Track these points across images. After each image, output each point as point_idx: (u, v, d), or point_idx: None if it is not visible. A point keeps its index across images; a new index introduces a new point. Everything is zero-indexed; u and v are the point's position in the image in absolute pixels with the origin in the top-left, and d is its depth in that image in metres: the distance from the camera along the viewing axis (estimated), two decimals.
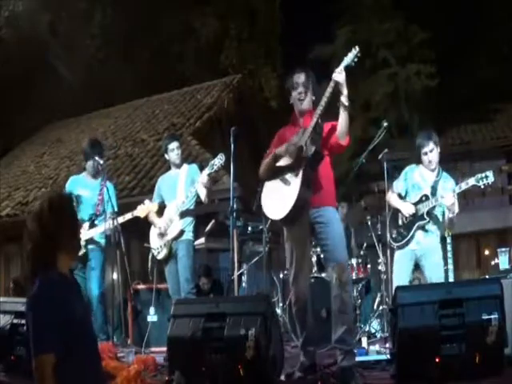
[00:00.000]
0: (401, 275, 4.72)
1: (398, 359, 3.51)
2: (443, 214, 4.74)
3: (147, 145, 11.10)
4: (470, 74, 16.58)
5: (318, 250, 5.71)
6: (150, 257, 5.51)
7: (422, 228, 4.75)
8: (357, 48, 3.75)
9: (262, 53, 19.67)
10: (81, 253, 5.23)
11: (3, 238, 10.30)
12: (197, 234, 5.68)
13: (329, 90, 3.74)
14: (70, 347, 2.38)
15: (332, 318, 3.82)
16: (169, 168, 5.74)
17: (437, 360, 3.30)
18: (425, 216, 4.71)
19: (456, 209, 4.63)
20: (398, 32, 16.87)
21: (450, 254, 5.07)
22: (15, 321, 4.38)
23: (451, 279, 5.07)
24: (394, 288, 4.06)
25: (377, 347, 4.79)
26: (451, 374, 3.29)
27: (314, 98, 3.98)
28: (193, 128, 10.88)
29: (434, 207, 4.70)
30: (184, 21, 18.54)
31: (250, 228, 6.57)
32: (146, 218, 5.46)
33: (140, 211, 5.36)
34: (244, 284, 6.61)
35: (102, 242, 5.50)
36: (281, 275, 6.27)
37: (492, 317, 3.27)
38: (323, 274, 5.44)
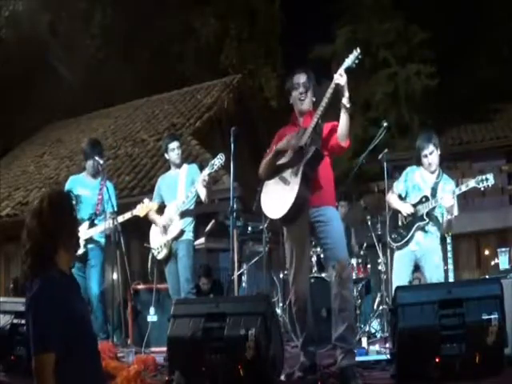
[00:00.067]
0: (400, 276, 4.72)
1: (398, 359, 3.51)
2: (443, 216, 4.74)
3: (147, 145, 11.10)
4: (470, 73, 16.59)
5: (318, 249, 5.71)
6: (150, 257, 5.51)
7: (422, 229, 4.75)
8: (358, 50, 3.73)
9: (262, 53, 19.68)
10: (80, 252, 5.24)
11: (3, 238, 10.30)
12: (197, 233, 5.67)
13: (329, 91, 3.73)
14: (70, 346, 2.38)
15: (332, 316, 3.82)
16: (169, 168, 5.74)
17: (437, 360, 3.30)
18: (424, 217, 4.71)
19: (455, 211, 4.65)
20: (398, 32, 16.89)
21: (450, 254, 5.07)
22: (15, 321, 4.39)
23: (451, 279, 5.07)
24: (393, 288, 4.06)
25: (377, 347, 4.79)
26: (451, 374, 3.29)
27: (314, 99, 3.98)
28: (193, 128, 10.87)
29: (433, 208, 4.71)
30: (184, 21, 18.54)
31: (249, 228, 6.57)
32: (146, 217, 5.45)
33: (139, 210, 5.36)
34: (244, 284, 6.61)
35: (102, 241, 5.50)
36: (281, 275, 6.27)
37: (492, 317, 3.27)
38: (323, 274, 5.44)
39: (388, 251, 5.70)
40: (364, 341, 4.89)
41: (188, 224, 5.35)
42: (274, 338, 3.59)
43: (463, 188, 4.61)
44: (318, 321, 4.60)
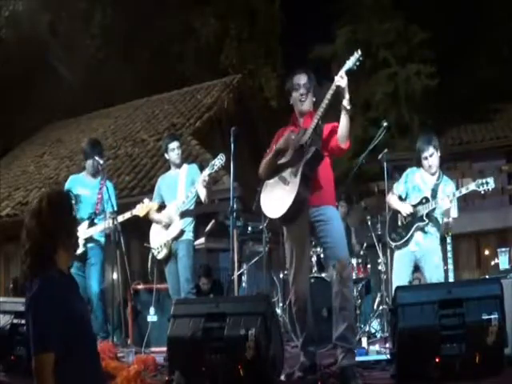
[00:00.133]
0: (400, 276, 4.72)
1: (398, 359, 3.51)
2: (443, 217, 4.75)
3: (147, 145, 11.10)
4: (470, 74, 16.59)
5: (318, 249, 5.71)
6: (150, 257, 5.51)
7: (422, 230, 4.76)
8: (359, 52, 3.72)
9: (262, 53, 19.68)
10: (80, 251, 5.24)
11: (3, 238, 10.31)
12: (197, 233, 5.67)
13: (330, 92, 3.73)
14: (70, 346, 2.38)
15: (333, 315, 3.82)
16: (169, 168, 5.74)
17: (437, 360, 3.30)
18: (424, 218, 4.72)
19: (453, 213, 4.67)
20: (398, 32, 16.88)
21: (450, 254, 5.06)
22: (15, 321, 4.39)
23: (451, 279, 5.07)
24: (393, 288, 4.06)
25: (377, 347, 4.79)
26: (451, 374, 3.29)
27: (314, 99, 3.98)
28: (193, 128, 10.87)
29: (433, 209, 4.72)
30: (184, 21, 18.55)
31: (249, 228, 6.57)
32: (146, 217, 5.45)
33: (139, 210, 5.36)
34: (244, 284, 6.60)
35: (102, 240, 5.50)
36: (281, 275, 6.27)
37: (492, 317, 3.27)
38: (323, 274, 5.44)
39: (388, 251, 5.71)
40: (364, 341, 4.89)
41: (188, 224, 5.35)
42: (274, 337, 3.59)
43: (463, 190, 4.62)
44: (318, 320, 4.60)
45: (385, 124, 5.50)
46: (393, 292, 3.90)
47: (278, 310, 5.98)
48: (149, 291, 5.71)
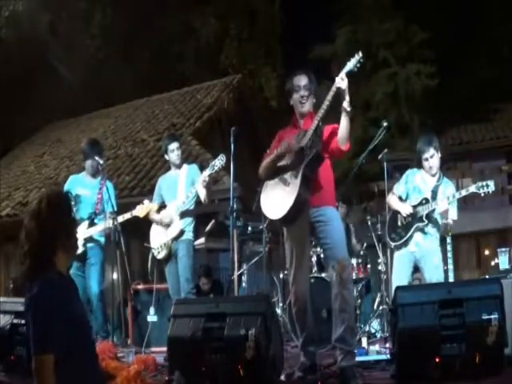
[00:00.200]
0: (400, 277, 4.72)
1: (398, 359, 3.51)
2: (442, 218, 4.75)
3: (147, 145, 11.10)
4: (470, 74, 16.60)
5: (318, 249, 5.71)
6: (150, 257, 5.51)
7: (422, 230, 4.76)
8: (360, 53, 3.71)
9: (262, 53, 19.68)
10: (80, 251, 5.24)
11: (3, 238, 10.30)
12: (197, 234, 5.67)
13: (331, 93, 3.72)
14: (70, 348, 2.37)
15: (332, 316, 3.82)
16: (169, 168, 5.74)
17: (437, 360, 3.30)
18: (424, 218, 4.72)
19: (453, 215, 4.68)
20: (398, 32, 16.88)
21: (450, 254, 5.06)
22: (15, 321, 4.39)
23: (451, 279, 5.07)
24: (393, 289, 4.06)
25: (377, 347, 4.79)
26: (451, 374, 3.29)
27: (314, 100, 3.98)
28: (193, 128, 10.88)
29: (433, 210, 4.72)
30: (184, 21, 18.55)
31: (250, 228, 6.57)
32: (146, 217, 5.45)
33: (139, 211, 5.36)
34: (244, 284, 6.60)
35: (102, 240, 5.49)
36: (281, 275, 6.27)
37: (492, 317, 3.27)
38: (323, 274, 5.44)
39: (388, 251, 5.71)
40: (364, 341, 4.89)
41: (188, 224, 5.35)
42: (274, 337, 3.59)
43: (463, 192, 4.63)
44: (318, 321, 4.60)
45: (385, 124, 5.50)
46: (393, 292, 3.90)
47: (278, 310, 5.99)
48: (149, 291, 5.71)
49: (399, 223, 4.91)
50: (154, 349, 5.24)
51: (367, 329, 5.77)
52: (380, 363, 4.14)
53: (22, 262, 2.47)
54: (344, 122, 3.73)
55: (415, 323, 3.39)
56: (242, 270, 6.52)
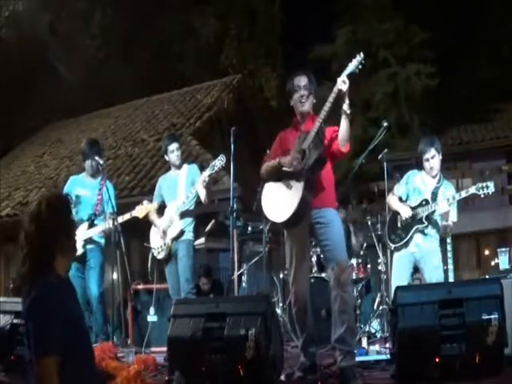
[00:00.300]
0: (400, 278, 4.73)
1: (398, 359, 3.51)
2: (442, 220, 4.76)
3: (147, 145, 11.10)
4: (470, 73, 16.60)
5: (318, 250, 5.70)
6: (150, 257, 5.51)
7: (421, 232, 4.77)
8: (361, 54, 3.70)
9: (262, 53, 19.68)
10: (80, 252, 5.24)
11: (3, 238, 10.30)
12: (197, 233, 5.67)
13: (332, 95, 3.71)
14: (68, 350, 2.36)
15: (332, 317, 3.82)
16: (169, 168, 5.74)
17: (437, 360, 3.30)
18: (423, 220, 4.72)
19: (453, 217, 4.69)
20: (398, 32, 16.90)
21: (450, 254, 5.07)
22: (15, 321, 4.39)
23: (451, 279, 5.07)
24: (393, 289, 4.06)
25: (377, 347, 4.79)
26: (451, 374, 3.29)
27: (314, 101, 3.98)
28: (193, 128, 10.88)
29: (433, 212, 4.72)
30: (184, 21, 18.55)
31: (250, 228, 6.56)
32: (146, 217, 5.45)
33: (138, 211, 5.35)
34: (244, 284, 6.60)
35: (102, 242, 5.49)
36: (281, 275, 6.26)
37: (492, 317, 3.27)
38: (323, 274, 5.43)
39: (388, 251, 5.71)
40: (364, 341, 4.89)
41: (188, 224, 5.35)
42: (274, 337, 3.59)
43: (463, 194, 4.63)
44: (318, 320, 4.60)
45: (385, 124, 5.50)
46: (393, 292, 3.90)
47: (278, 310, 5.98)
48: (149, 291, 5.71)
49: (399, 224, 4.91)
50: (154, 349, 5.24)
51: (367, 329, 5.77)
52: (380, 363, 4.14)
53: (21, 264, 2.45)
54: (344, 124, 3.73)
55: (415, 323, 3.39)
56: (242, 270, 6.51)
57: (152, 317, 5.43)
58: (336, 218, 3.92)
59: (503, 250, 6.36)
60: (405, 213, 4.81)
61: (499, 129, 15.61)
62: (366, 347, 4.77)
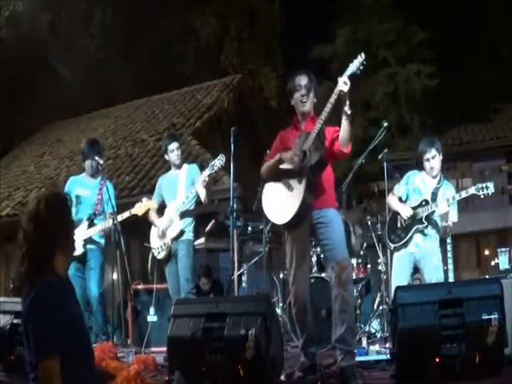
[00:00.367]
0: (400, 278, 4.73)
1: (398, 359, 3.51)
2: (442, 220, 4.76)
3: (147, 145, 11.10)
4: (470, 73, 16.61)
5: (318, 249, 5.70)
6: (150, 257, 5.51)
7: (421, 232, 4.77)
8: (362, 55, 3.68)
9: (262, 53, 19.69)
10: (80, 252, 5.24)
11: (3, 238, 10.29)
12: (197, 233, 5.67)
13: (334, 96, 3.69)
14: (68, 350, 2.35)
15: (332, 317, 3.82)
16: (169, 168, 5.74)
17: (437, 360, 3.30)
18: (423, 220, 4.72)
19: (453, 217, 4.69)
20: (398, 32, 16.90)
21: (450, 255, 5.07)
22: (15, 321, 4.39)
23: (451, 279, 5.07)
24: (393, 290, 4.05)
25: (377, 347, 4.79)
26: (451, 374, 3.29)
27: (315, 100, 3.98)
28: (193, 128, 10.88)
29: (433, 212, 4.72)
30: (184, 21, 18.55)
31: (249, 228, 6.56)
32: (146, 217, 5.45)
33: (138, 209, 5.35)
34: (244, 284, 6.60)
35: (102, 242, 5.48)
36: (281, 275, 6.26)
37: (492, 317, 3.27)
38: (323, 274, 5.43)
39: (388, 251, 5.71)
40: (364, 341, 4.88)
41: (188, 224, 5.35)
42: (274, 337, 3.59)
43: (463, 194, 4.63)
44: (318, 320, 4.60)
45: (385, 124, 5.50)
46: (393, 292, 3.90)
47: (278, 310, 5.98)
48: (149, 291, 5.71)
49: (399, 224, 4.91)
50: (153, 349, 5.24)
51: (367, 329, 5.77)
52: (380, 363, 4.14)
53: (20, 263, 2.45)
54: (345, 125, 3.72)
55: (415, 323, 3.39)
56: (242, 270, 6.51)
57: (152, 317, 5.43)
58: (336, 217, 3.92)
59: (503, 250, 6.36)
60: (405, 213, 4.82)
61: (499, 129, 15.62)
62: (366, 347, 4.77)
